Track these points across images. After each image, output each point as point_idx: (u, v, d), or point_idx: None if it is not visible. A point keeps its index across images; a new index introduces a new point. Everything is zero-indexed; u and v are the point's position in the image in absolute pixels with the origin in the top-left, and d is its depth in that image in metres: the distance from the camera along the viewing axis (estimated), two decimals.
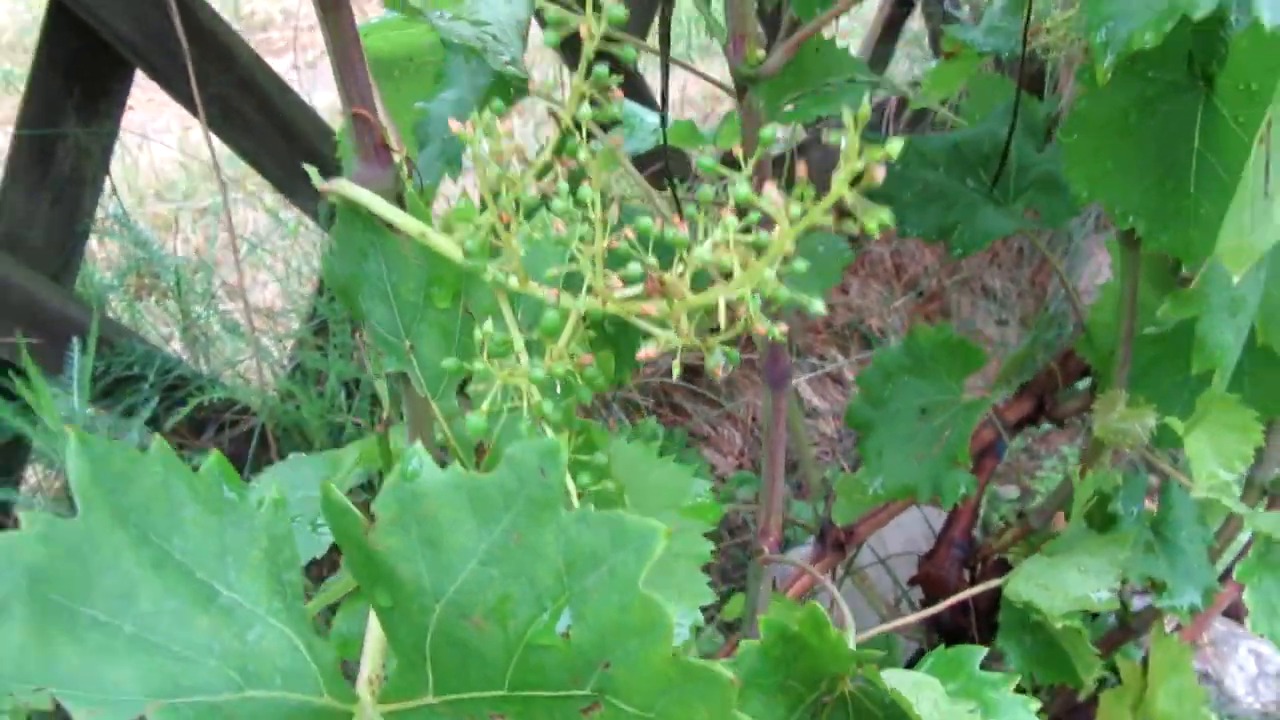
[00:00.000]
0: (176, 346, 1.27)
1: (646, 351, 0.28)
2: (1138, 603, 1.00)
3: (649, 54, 0.83)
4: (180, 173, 2.34)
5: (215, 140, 1.08)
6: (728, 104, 2.51)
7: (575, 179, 0.33)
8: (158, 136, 2.56)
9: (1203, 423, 0.78)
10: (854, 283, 1.95)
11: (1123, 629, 1.01)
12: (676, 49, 2.36)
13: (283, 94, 1.10)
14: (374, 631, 0.31)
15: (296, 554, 0.29)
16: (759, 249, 0.26)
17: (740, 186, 0.25)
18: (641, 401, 1.57)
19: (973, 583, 0.99)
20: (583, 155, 0.29)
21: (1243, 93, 0.60)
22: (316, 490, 0.56)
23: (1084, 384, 1.06)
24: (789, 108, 0.79)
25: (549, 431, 0.33)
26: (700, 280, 0.30)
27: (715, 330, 0.31)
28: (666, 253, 0.33)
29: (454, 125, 0.30)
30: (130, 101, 2.84)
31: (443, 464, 0.27)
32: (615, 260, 0.33)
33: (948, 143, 0.89)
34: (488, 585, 0.26)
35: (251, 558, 0.28)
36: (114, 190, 1.16)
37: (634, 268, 0.29)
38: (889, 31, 1.90)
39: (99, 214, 1.13)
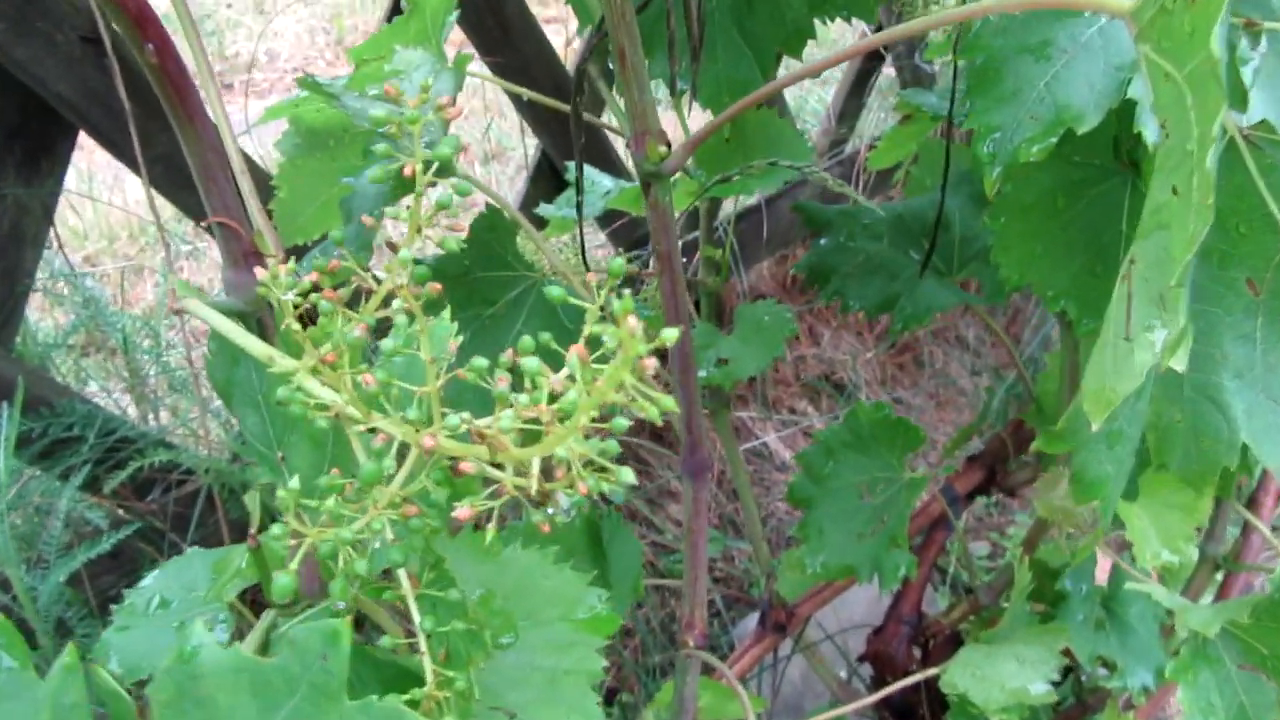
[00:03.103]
0: (126, 405, 1.25)
1: (459, 513, 0.26)
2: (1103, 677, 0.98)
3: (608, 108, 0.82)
4: (149, 213, 2.32)
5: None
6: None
7: (430, 305, 0.32)
8: (131, 176, 2.55)
9: (1145, 502, 0.76)
10: (825, 334, 1.94)
11: (1079, 705, 0.99)
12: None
13: None
14: None
15: None
16: (565, 415, 0.25)
17: (528, 361, 0.24)
18: None
19: (924, 658, 0.97)
20: (397, 304, 0.28)
21: None
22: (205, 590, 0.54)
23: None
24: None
25: (403, 577, 0.31)
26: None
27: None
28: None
29: (259, 274, 0.28)
30: None
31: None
32: (465, 391, 0.32)
33: (891, 213, 0.88)
34: None
35: None
36: (60, 246, 1.14)
37: (452, 420, 0.27)
38: (860, 83, 1.91)
39: (45, 272, 1.12)
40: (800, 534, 0.81)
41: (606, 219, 1.55)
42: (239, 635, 0.54)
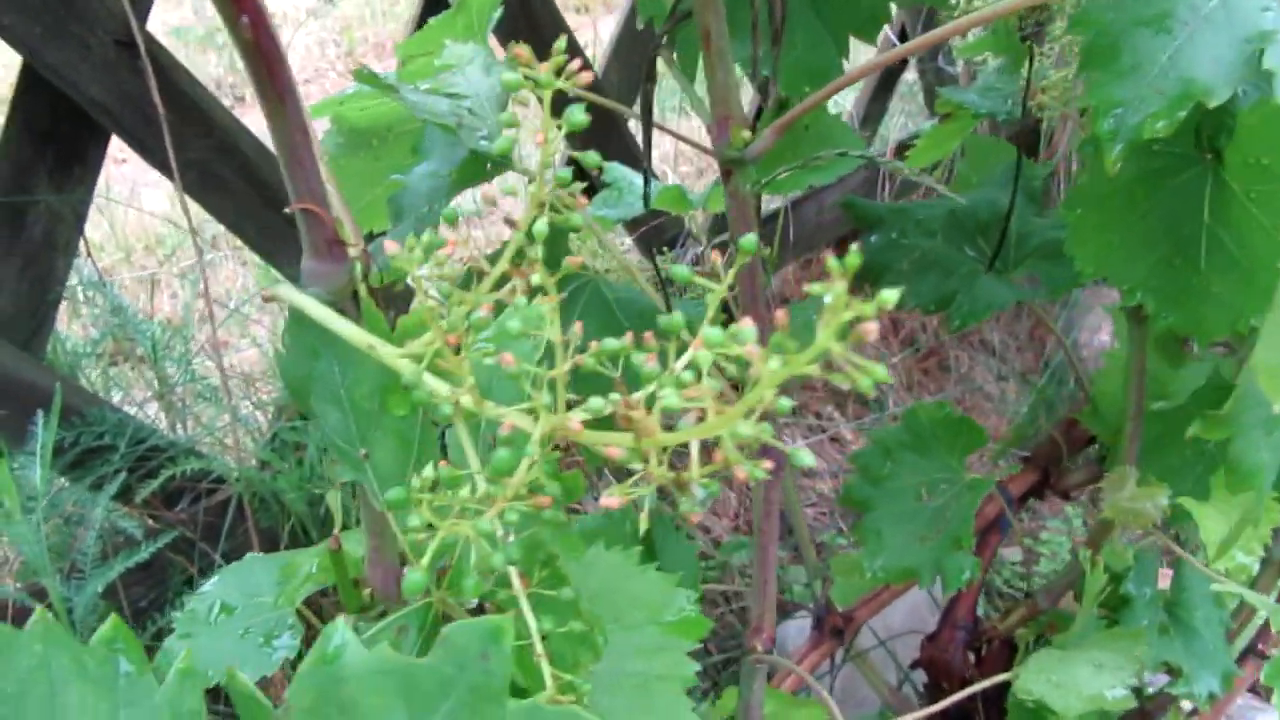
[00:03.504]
0: (154, 413, 1.24)
1: (607, 502, 0.24)
2: (1152, 684, 0.96)
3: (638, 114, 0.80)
4: (169, 227, 2.31)
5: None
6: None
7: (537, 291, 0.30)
8: (149, 189, 2.55)
9: (1218, 502, 0.74)
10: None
11: (1140, 712, 0.96)
12: (670, 103, 2.35)
13: (264, 158, 1.07)
14: None
15: None
16: (736, 384, 0.23)
17: (711, 331, 0.22)
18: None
19: (978, 664, 0.94)
20: (537, 279, 0.26)
21: (1253, 167, 0.57)
22: (270, 595, 0.52)
23: (1090, 452, 1.02)
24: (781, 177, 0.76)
25: (513, 575, 0.29)
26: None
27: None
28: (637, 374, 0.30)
29: (390, 248, 0.26)
30: (122, 155, 2.81)
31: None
32: (581, 381, 0.30)
33: (944, 209, 0.86)
34: None
35: None
36: (89, 254, 1.13)
37: (596, 403, 0.25)
38: (883, 87, 1.90)
39: (74, 279, 1.10)
40: (858, 536, 0.79)
41: (632, 223, 1.53)
42: (308, 644, 0.52)
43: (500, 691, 0.21)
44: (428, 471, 0.26)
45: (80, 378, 1.18)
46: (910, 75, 2.12)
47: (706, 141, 0.50)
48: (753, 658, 0.63)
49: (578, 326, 0.29)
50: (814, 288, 0.19)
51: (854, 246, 0.20)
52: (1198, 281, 0.61)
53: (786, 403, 0.24)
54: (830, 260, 0.19)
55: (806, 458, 0.22)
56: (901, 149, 1.93)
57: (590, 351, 0.28)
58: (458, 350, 0.28)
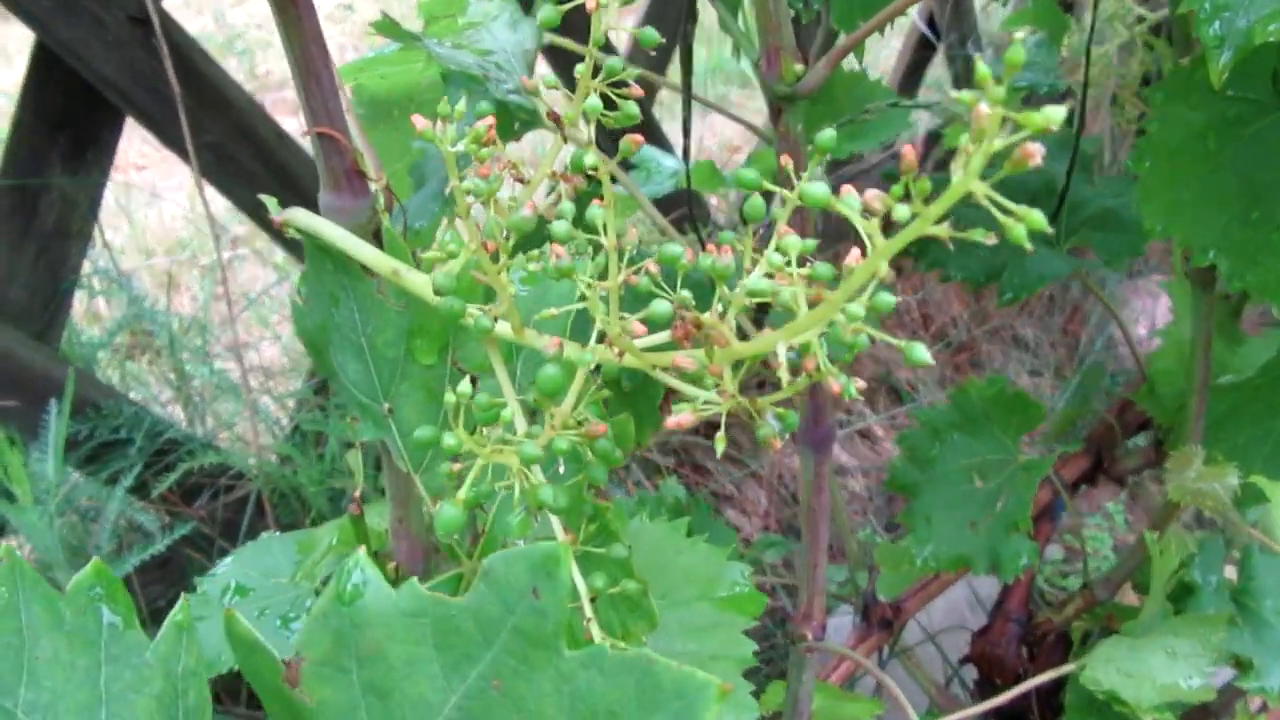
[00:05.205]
0: (174, 408, 1.21)
1: (679, 419, 0.21)
2: (1218, 679, 0.91)
3: (666, 100, 0.77)
4: (190, 230, 2.30)
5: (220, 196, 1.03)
6: (746, 151, 2.46)
7: (584, 199, 0.26)
8: (169, 195, 2.53)
9: None
10: None
11: (1201, 709, 0.91)
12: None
13: (281, 141, 1.04)
14: None
15: (206, 699, 0.21)
16: (827, 280, 0.19)
17: (813, 186, 0.18)
18: (661, 461, 1.49)
19: (1032, 659, 0.90)
20: (590, 159, 0.22)
21: None
22: (288, 575, 0.49)
23: (1143, 438, 0.98)
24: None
25: (557, 527, 0.25)
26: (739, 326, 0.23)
27: (758, 386, 0.24)
28: (700, 295, 0.26)
29: (419, 122, 0.23)
30: (142, 161, 2.81)
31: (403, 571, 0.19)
32: (636, 302, 0.26)
33: (991, 178, 0.82)
34: None
35: (139, 708, 0.20)
36: (105, 244, 1.10)
37: (661, 307, 0.21)
38: (910, 77, 1.86)
39: (88, 269, 1.08)
40: (906, 522, 0.75)
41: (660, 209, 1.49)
42: None
43: (554, 636, 0.18)
44: (463, 386, 0.22)
45: (96, 371, 1.15)
46: (935, 72, 2.08)
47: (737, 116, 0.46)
48: (802, 646, 0.59)
49: (632, 232, 0.25)
50: (964, 95, 0.15)
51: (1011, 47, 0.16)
52: (1277, 238, 0.57)
53: (890, 298, 0.20)
54: (980, 66, 0.15)
55: (922, 353, 0.18)
56: (931, 139, 1.89)
57: (642, 267, 0.25)
58: (495, 258, 0.24)
